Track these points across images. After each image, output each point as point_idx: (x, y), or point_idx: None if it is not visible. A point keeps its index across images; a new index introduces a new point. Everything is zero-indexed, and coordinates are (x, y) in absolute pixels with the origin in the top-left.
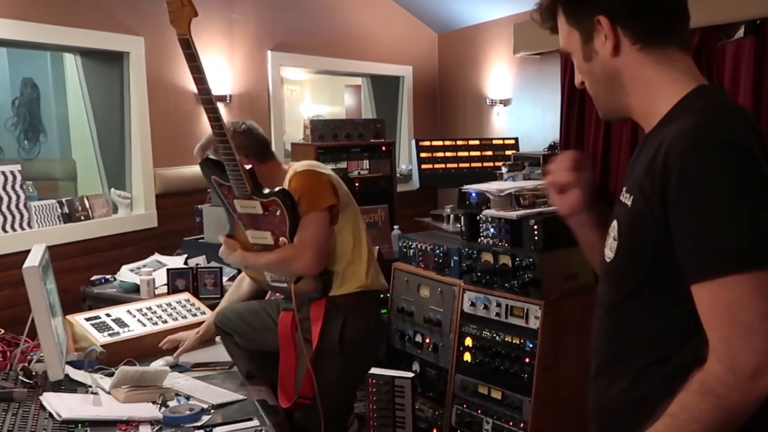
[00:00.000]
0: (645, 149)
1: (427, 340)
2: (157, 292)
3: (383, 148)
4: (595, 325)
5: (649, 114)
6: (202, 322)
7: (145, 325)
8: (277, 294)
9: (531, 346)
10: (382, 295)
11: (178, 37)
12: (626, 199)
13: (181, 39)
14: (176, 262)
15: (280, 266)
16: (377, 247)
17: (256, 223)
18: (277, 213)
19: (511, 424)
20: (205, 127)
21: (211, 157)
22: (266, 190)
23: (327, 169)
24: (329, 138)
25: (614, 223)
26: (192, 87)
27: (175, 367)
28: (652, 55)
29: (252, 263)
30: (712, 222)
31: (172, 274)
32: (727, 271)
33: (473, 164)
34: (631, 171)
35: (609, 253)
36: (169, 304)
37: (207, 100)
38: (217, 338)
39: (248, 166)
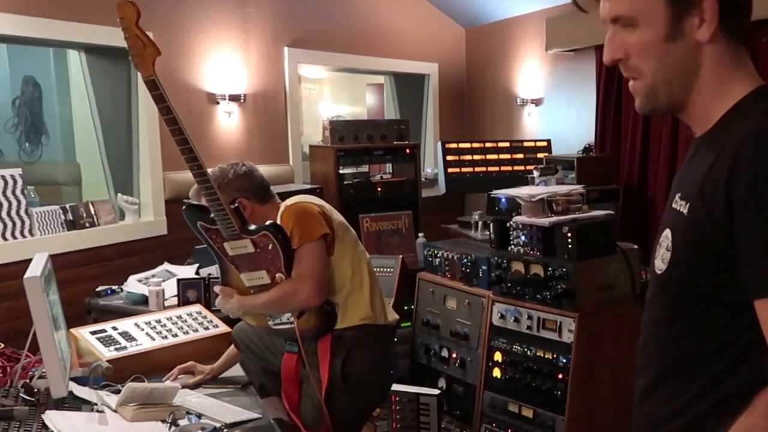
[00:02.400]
0: (701, 152)
1: (454, 355)
2: (166, 303)
3: (407, 150)
4: (643, 342)
5: (705, 113)
6: (214, 336)
7: (154, 339)
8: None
9: (564, 361)
10: (401, 326)
11: (144, 79)
12: (681, 206)
13: (148, 81)
14: (187, 272)
15: (280, 303)
16: (401, 256)
17: (249, 264)
18: (270, 248)
19: None
20: (218, 128)
21: (193, 202)
22: (253, 227)
23: (318, 201)
24: (350, 140)
25: (666, 233)
26: (204, 86)
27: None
28: (730, 52)
29: (250, 306)
30: None
31: (183, 284)
32: None
33: (503, 168)
34: (685, 176)
35: (661, 265)
36: (179, 317)
37: (181, 140)
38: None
39: (234, 205)
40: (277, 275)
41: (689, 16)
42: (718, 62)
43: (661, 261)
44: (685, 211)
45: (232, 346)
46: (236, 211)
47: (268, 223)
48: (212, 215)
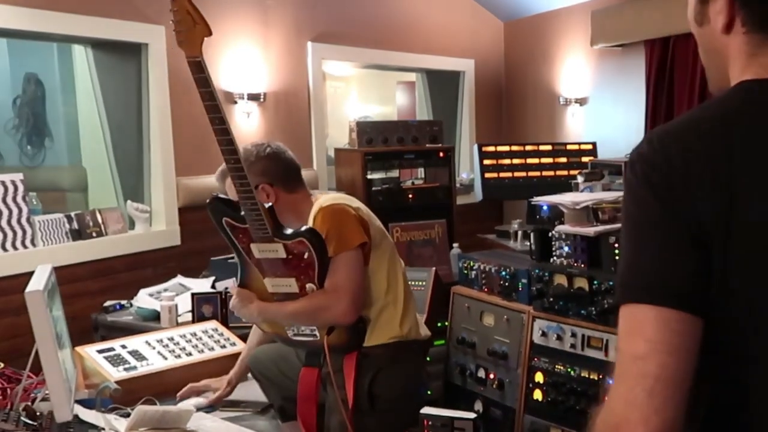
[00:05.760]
0: None
1: (492, 376)
2: (180, 320)
3: (441, 154)
4: None
5: None
6: (232, 355)
7: (166, 359)
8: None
9: (611, 382)
10: (434, 344)
11: (188, 59)
12: None
13: (192, 62)
14: (202, 285)
15: (310, 316)
16: (434, 268)
17: (277, 269)
18: (305, 256)
19: None
20: (236, 129)
21: (221, 195)
22: (289, 230)
23: (356, 202)
24: (379, 142)
25: None
26: (222, 85)
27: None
28: (749, 43)
29: (273, 315)
30: None
31: (198, 299)
32: None
33: (544, 173)
34: None
35: None
36: (194, 334)
37: (221, 130)
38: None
39: (268, 204)
40: (307, 285)
41: (711, 1)
42: (737, 53)
43: None
44: None
45: (245, 352)
46: (270, 212)
47: (304, 228)
48: (242, 213)
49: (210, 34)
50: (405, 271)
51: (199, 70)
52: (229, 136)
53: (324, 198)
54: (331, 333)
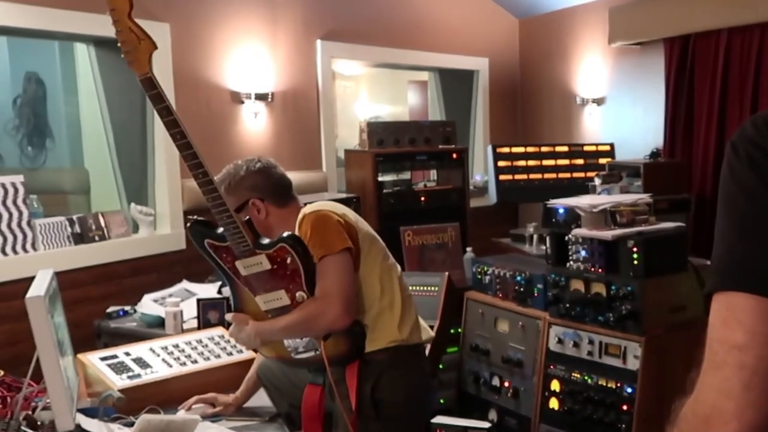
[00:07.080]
0: None
1: (506, 384)
2: (185, 326)
3: (454, 155)
4: None
5: None
6: (238, 363)
7: (171, 366)
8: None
9: (630, 390)
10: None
11: (139, 78)
12: None
13: (144, 79)
14: (208, 290)
15: (303, 325)
16: (447, 273)
17: (266, 284)
18: (288, 262)
19: None
20: (243, 130)
21: (199, 218)
22: (267, 241)
23: (341, 209)
24: (390, 143)
25: None
26: (228, 84)
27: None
28: None
29: (269, 332)
30: None
31: (204, 305)
32: None
33: (561, 175)
34: None
35: None
36: (199, 341)
37: (184, 145)
38: None
39: (246, 218)
40: (297, 294)
41: None
42: None
43: None
44: None
45: (252, 370)
46: (248, 224)
47: (285, 234)
48: (221, 230)
49: (155, 48)
50: (402, 275)
51: (151, 87)
52: (193, 150)
53: (309, 206)
54: (327, 339)
